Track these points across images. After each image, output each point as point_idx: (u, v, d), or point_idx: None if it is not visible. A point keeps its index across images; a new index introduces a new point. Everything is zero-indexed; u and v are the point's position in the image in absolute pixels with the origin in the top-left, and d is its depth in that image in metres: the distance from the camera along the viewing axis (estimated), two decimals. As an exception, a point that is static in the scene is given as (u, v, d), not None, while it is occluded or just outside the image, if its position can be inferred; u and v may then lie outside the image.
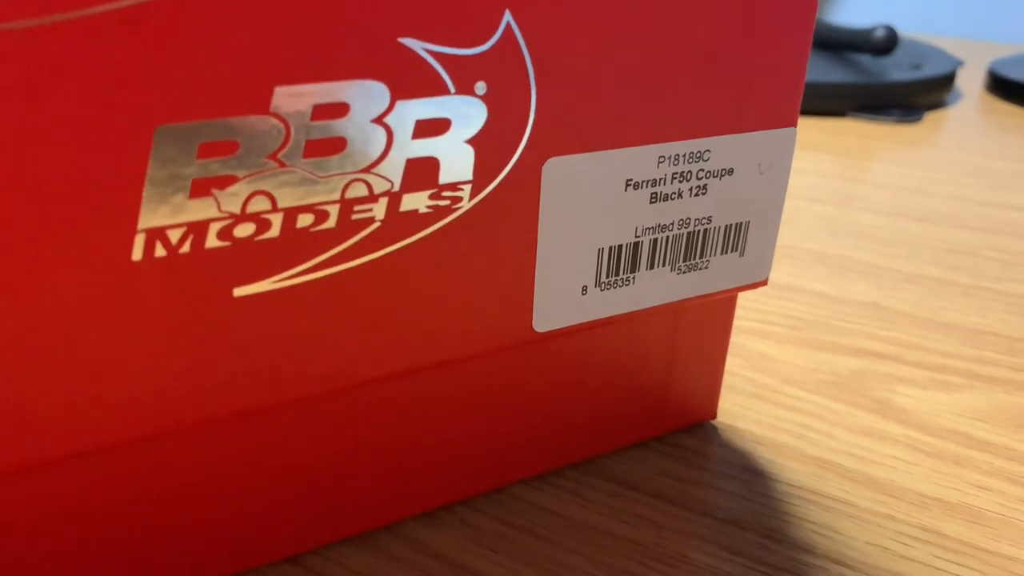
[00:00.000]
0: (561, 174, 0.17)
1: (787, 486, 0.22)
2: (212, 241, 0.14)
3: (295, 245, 0.15)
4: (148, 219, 0.13)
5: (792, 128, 0.20)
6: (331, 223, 0.15)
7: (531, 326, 0.18)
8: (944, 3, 0.87)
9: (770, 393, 0.25)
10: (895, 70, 0.57)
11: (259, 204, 0.14)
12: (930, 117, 0.56)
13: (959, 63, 0.60)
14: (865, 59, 0.59)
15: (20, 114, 0.12)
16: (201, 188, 0.14)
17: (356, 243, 0.15)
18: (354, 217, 0.15)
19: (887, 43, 0.55)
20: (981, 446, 0.23)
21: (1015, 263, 0.35)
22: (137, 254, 0.13)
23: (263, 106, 0.14)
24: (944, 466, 0.22)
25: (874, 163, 0.47)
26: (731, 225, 0.20)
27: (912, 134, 0.52)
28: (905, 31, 0.89)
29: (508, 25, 0.15)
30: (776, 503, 0.21)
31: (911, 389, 0.26)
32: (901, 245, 0.36)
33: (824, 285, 0.32)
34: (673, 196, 0.19)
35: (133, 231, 0.13)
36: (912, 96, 0.56)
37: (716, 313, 0.22)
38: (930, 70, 0.58)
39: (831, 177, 0.44)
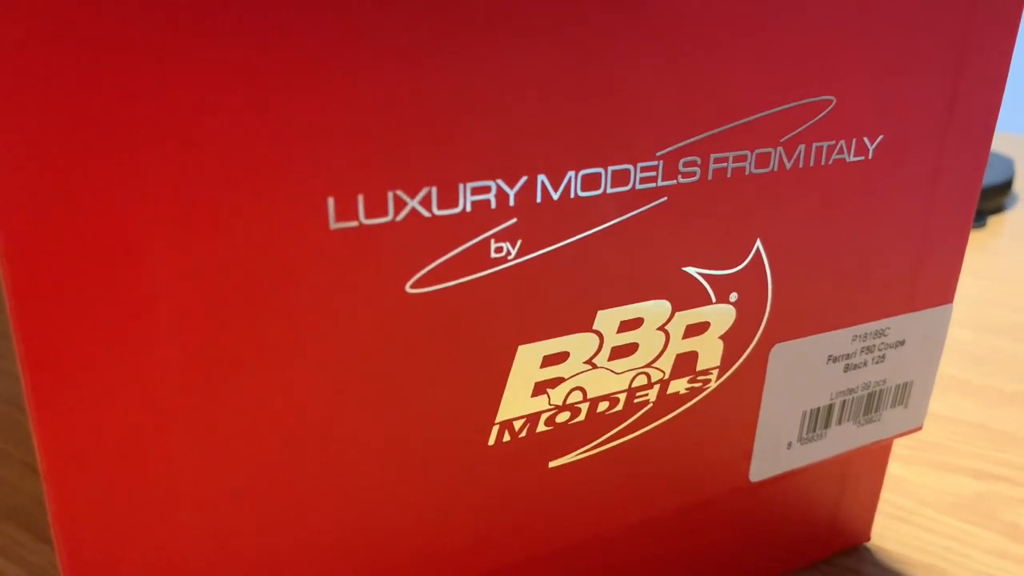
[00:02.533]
0: (782, 355, 0.21)
1: (942, 606, 0.25)
2: (541, 427, 0.18)
3: (594, 425, 0.19)
4: (504, 413, 0.17)
5: (949, 305, 0.23)
6: (620, 407, 0.19)
7: (747, 477, 0.22)
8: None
9: (909, 515, 0.29)
10: (958, 178, 0.61)
11: (575, 396, 0.18)
12: (991, 221, 0.60)
13: (1012, 166, 0.64)
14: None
15: (434, 351, 0.16)
16: (540, 388, 0.17)
17: (634, 420, 0.19)
18: (635, 401, 0.19)
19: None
20: (1106, 569, 0.26)
21: (1102, 382, 0.38)
22: (492, 440, 0.17)
23: (587, 326, 0.18)
24: (1078, 589, 0.25)
25: (950, 273, 0.50)
26: (900, 384, 0.24)
27: (977, 240, 0.56)
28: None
29: (758, 250, 0.19)
30: (936, 622, 0.24)
31: (1032, 511, 0.29)
32: (994, 363, 0.39)
33: (934, 403, 0.36)
34: (860, 365, 0.22)
35: (492, 423, 0.17)
36: (975, 203, 0.60)
37: (877, 448, 0.26)
38: (990, 177, 0.62)
39: (914, 288, 0.48)
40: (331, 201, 0.14)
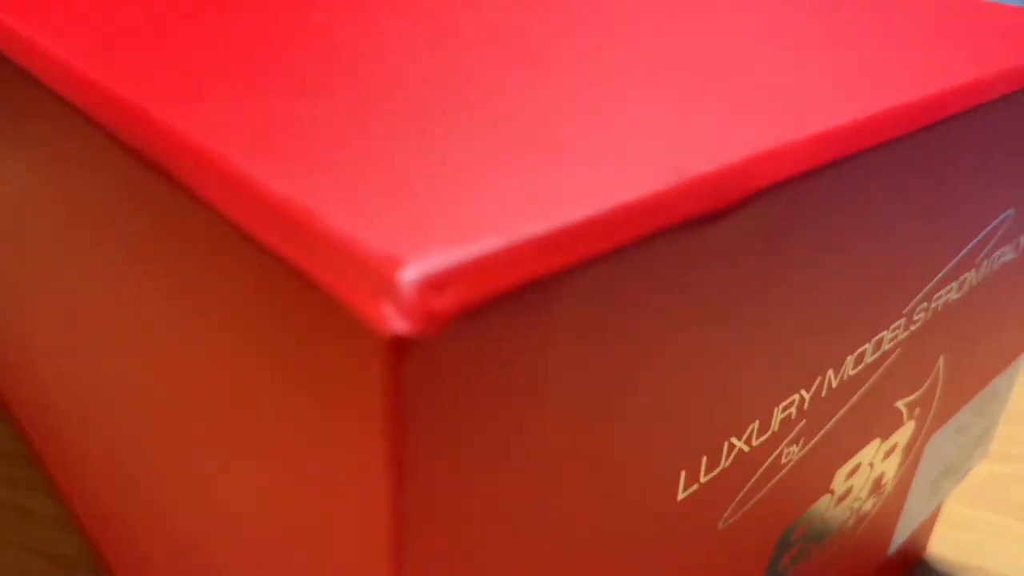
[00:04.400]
0: (933, 443, 0.21)
1: (999, 607, 0.27)
2: (777, 592, 0.17)
3: None
4: (757, 597, 0.16)
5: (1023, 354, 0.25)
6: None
7: (886, 553, 0.22)
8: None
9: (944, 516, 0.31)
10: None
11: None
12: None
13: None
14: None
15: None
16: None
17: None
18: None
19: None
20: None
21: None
22: (744, 623, 0.16)
23: (826, 488, 0.17)
24: (1092, 567, 0.29)
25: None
26: (985, 428, 0.25)
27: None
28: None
29: (939, 366, 0.19)
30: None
31: (1027, 487, 0.32)
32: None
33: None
34: (971, 427, 0.23)
35: (746, 609, 0.16)
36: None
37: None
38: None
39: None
40: (683, 475, 0.12)
